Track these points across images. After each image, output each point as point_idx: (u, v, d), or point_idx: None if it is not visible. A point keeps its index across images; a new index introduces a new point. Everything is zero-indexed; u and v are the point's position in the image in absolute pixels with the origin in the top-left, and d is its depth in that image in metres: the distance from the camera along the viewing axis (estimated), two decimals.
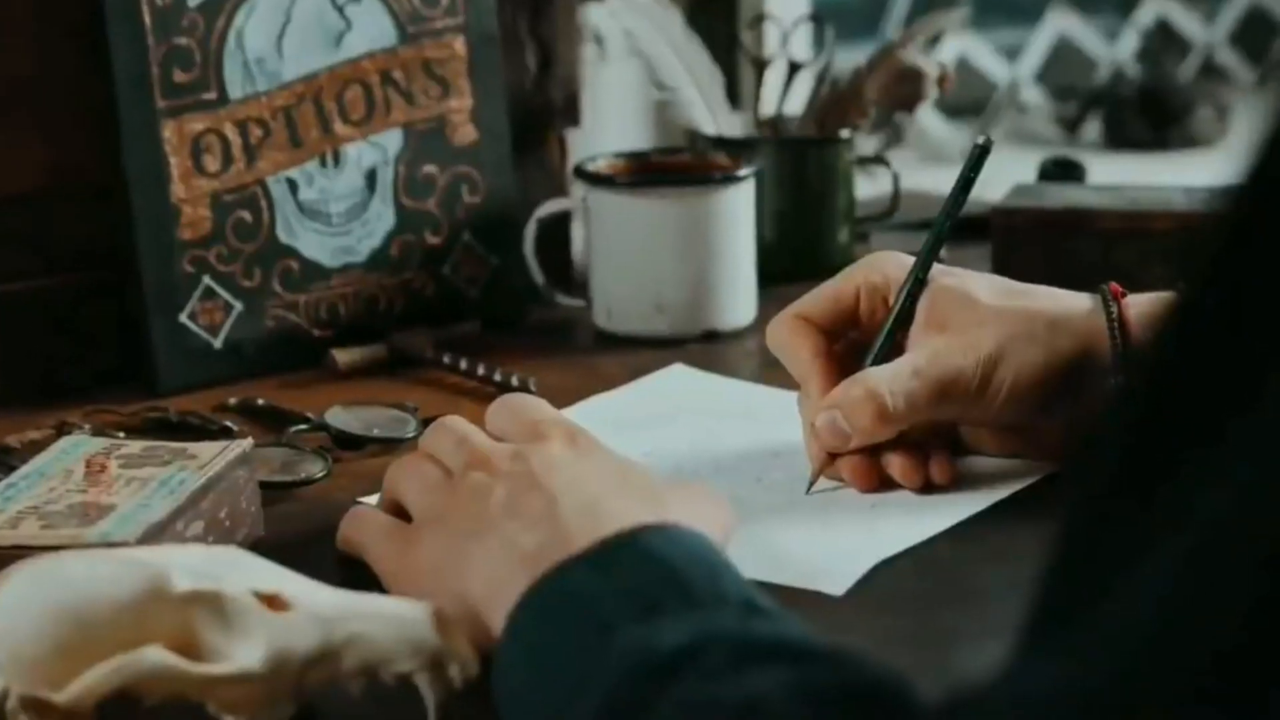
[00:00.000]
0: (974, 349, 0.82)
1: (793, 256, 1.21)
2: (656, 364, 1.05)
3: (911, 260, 0.87)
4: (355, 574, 0.75)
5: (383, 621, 0.64)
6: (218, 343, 1.04)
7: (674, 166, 1.15)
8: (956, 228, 1.27)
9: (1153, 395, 0.41)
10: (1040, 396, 0.83)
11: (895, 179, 1.26)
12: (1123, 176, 1.38)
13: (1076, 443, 0.86)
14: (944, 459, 0.85)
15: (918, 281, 0.85)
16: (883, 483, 0.85)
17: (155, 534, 0.73)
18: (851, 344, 0.88)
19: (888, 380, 0.83)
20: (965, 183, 0.88)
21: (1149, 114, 1.93)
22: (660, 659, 0.56)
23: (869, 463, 0.84)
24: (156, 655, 0.61)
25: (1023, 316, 0.83)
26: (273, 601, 0.63)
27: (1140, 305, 0.83)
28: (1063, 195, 1.19)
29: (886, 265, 0.87)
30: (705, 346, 1.10)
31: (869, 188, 1.30)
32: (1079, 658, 0.40)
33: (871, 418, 0.82)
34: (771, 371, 1.04)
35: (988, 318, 0.83)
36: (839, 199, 1.23)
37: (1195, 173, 1.68)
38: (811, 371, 0.86)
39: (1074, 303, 0.84)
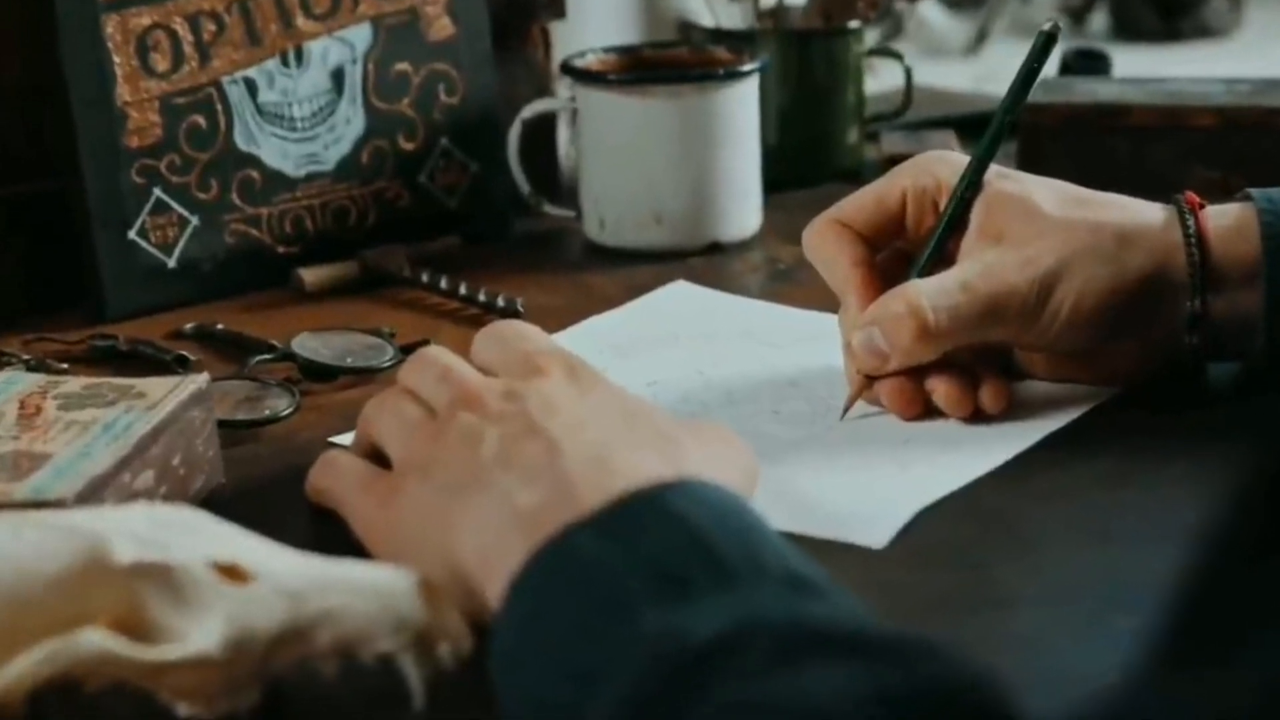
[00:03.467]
0: (1032, 264, 0.74)
1: (798, 160, 1.15)
2: (656, 280, 0.98)
3: (964, 161, 0.78)
4: (328, 528, 0.68)
5: (360, 593, 0.57)
6: (171, 262, 0.97)
7: (670, 62, 1.08)
8: (975, 127, 1.20)
9: None
10: (1105, 319, 0.74)
11: (907, 73, 1.19)
12: (1134, 69, 1.29)
13: (1147, 370, 0.77)
14: (997, 385, 0.76)
15: (971, 185, 0.77)
16: (926, 410, 0.76)
17: (97, 487, 0.65)
18: (897, 254, 0.80)
19: (931, 294, 0.74)
20: (1029, 74, 0.80)
21: (1159, 3, 1.83)
22: (694, 650, 0.47)
23: (911, 386, 0.76)
24: (96, 638, 0.54)
25: (1089, 229, 0.74)
26: (231, 572, 0.56)
27: (1221, 218, 0.75)
28: (1091, 90, 1.10)
29: (937, 167, 0.78)
30: (708, 260, 1.03)
31: (871, 84, 1.21)
32: (1220, 699, 0.36)
33: (912, 335, 0.74)
34: (782, 287, 0.96)
35: (1049, 229, 0.75)
36: (848, 96, 1.16)
37: (1208, 64, 1.59)
38: (851, 283, 0.78)
39: (1147, 214, 0.76)
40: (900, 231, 0.79)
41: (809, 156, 1.14)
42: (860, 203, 0.79)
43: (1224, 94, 1.07)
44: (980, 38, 1.76)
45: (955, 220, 0.77)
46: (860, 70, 1.16)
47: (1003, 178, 0.77)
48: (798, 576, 0.51)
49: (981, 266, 0.75)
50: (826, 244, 0.79)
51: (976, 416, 0.76)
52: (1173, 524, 0.68)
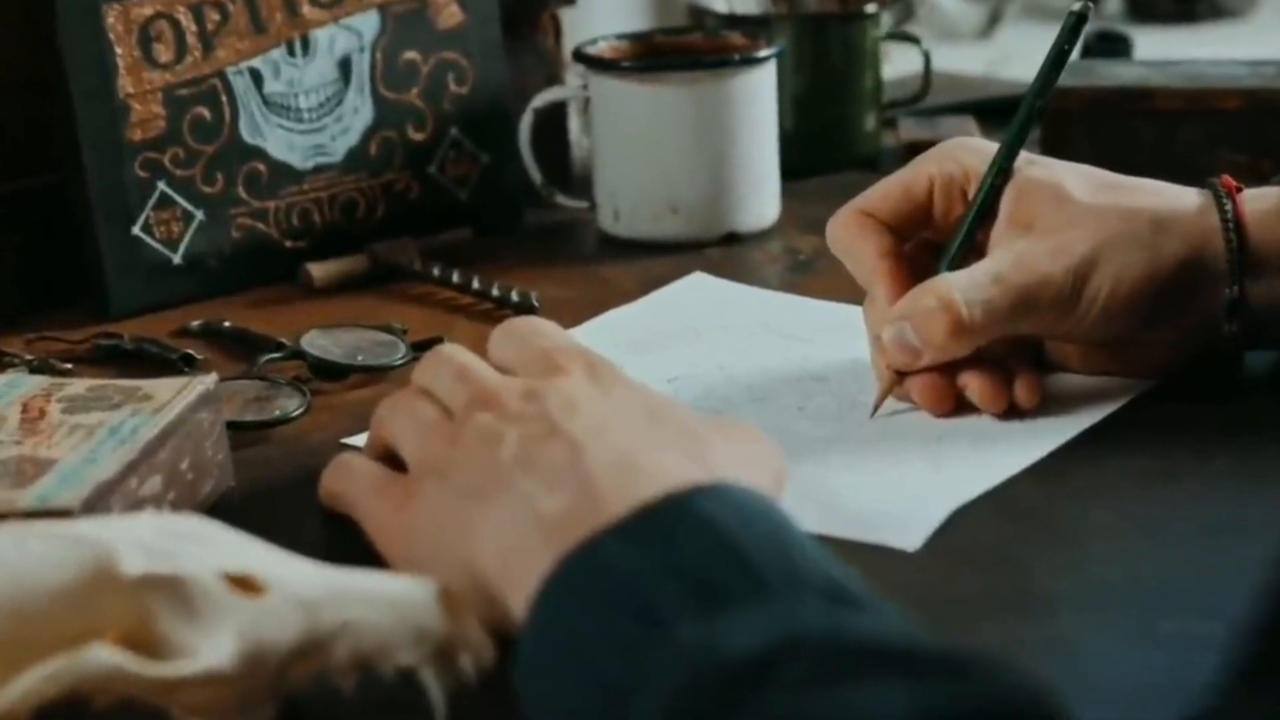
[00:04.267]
0: (1065, 252, 0.72)
1: (815, 147, 1.12)
2: (672, 273, 0.95)
3: (991, 148, 0.76)
4: (343, 533, 0.66)
5: (379, 604, 0.55)
6: (177, 257, 0.95)
7: (684, 48, 1.05)
8: (994, 112, 1.18)
9: None
10: (1141, 307, 0.72)
11: (926, 57, 1.17)
12: (1150, 51, 1.27)
13: (1184, 359, 0.75)
14: (1031, 379, 0.74)
15: (1001, 172, 0.75)
16: (958, 406, 0.74)
17: (104, 494, 0.63)
18: (923, 245, 0.78)
19: (964, 288, 0.72)
20: (1059, 56, 0.77)
21: None
22: (732, 665, 0.45)
23: (943, 382, 0.74)
24: (104, 654, 0.52)
25: (1123, 215, 0.72)
26: (244, 583, 0.54)
27: (1258, 201, 0.72)
28: (1115, 73, 1.08)
29: (964, 154, 0.76)
30: (726, 251, 1.00)
31: (886, 69, 1.18)
32: None
33: (945, 331, 0.72)
34: (802, 278, 0.94)
35: (1081, 216, 0.72)
36: (865, 82, 1.14)
37: (1224, 46, 1.57)
38: (878, 275, 0.75)
39: (1182, 199, 0.74)
40: (927, 221, 0.77)
41: (826, 144, 1.12)
42: (886, 192, 0.77)
43: (1250, 76, 1.05)
44: (993, 21, 1.74)
45: (985, 209, 0.75)
46: (877, 55, 1.13)
47: (1031, 164, 0.75)
48: (837, 586, 0.49)
49: (1013, 257, 0.73)
50: (851, 235, 0.77)
51: (1010, 412, 0.74)
52: (1217, 522, 0.65)
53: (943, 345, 0.72)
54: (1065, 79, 1.07)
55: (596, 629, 0.50)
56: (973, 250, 0.75)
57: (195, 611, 0.53)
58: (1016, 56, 1.50)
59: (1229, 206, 0.72)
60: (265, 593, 0.54)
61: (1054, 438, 0.72)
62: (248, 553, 0.55)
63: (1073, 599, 0.61)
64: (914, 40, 1.17)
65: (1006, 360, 0.75)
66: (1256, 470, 0.69)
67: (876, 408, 0.75)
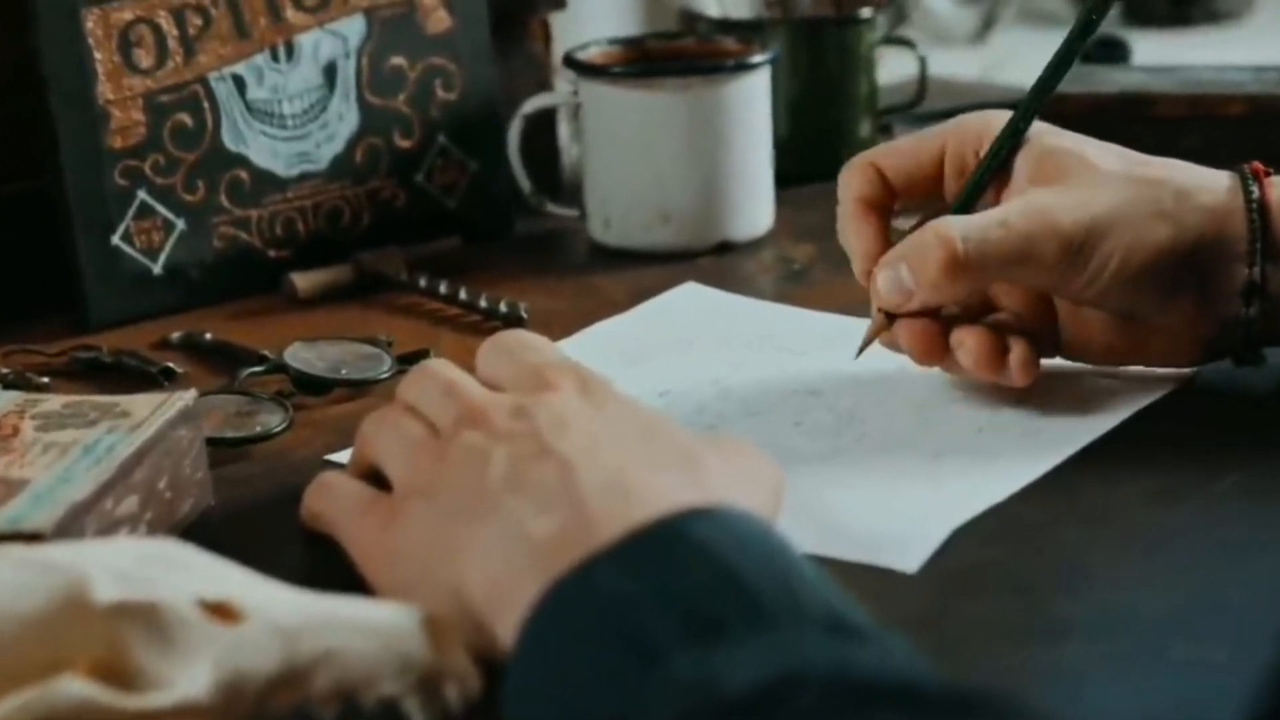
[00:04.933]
0: (1082, 208, 0.70)
1: (809, 154, 1.10)
2: (664, 283, 0.94)
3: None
4: (325, 555, 0.64)
5: (361, 632, 0.53)
6: (157, 268, 0.93)
7: (676, 53, 1.04)
8: None
9: None
10: (1158, 279, 0.70)
11: (922, 63, 1.15)
12: (1145, 55, 1.25)
13: (1202, 347, 0.73)
14: (1028, 353, 0.72)
15: (1018, 132, 0.73)
16: (944, 360, 0.73)
17: (78, 515, 0.61)
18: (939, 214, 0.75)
19: (963, 225, 0.70)
20: (1086, 26, 0.75)
21: None
22: (730, 702, 0.43)
23: (934, 330, 0.72)
24: (76, 685, 0.51)
25: (1146, 183, 0.71)
26: (221, 611, 0.53)
27: None
28: (1115, 79, 1.06)
29: (987, 117, 0.75)
30: (719, 260, 0.98)
31: (879, 75, 1.16)
32: None
33: (938, 266, 0.70)
34: (797, 288, 0.93)
35: (1104, 180, 0.71)
36: (860, 87, 1.12)
37: (1221, 50, 1.55)
38: (845, 217, 0.75)
39: (1209, 177, 0.73)
40: (935, 186, 0.75)
41: (820, 150, 1.10)
42: (897, 147, 0.76)
43: (1252, 82, 1.03)
44: (987, 25, 1.72)
45: (999, 160, 0.73)
46: (872, 60, 1.12)
47: (1052, 133, 0.74)
48: (840, 618, 0.47)
49: (1025, 204, 0.71)
50: (849, 178, 0.76)
51: (1030, 421, 0.72)
52: (1228, 543, 0.63)
53: (935, 282, 0.70)
54: (1065, 85, 1.06)
55: (587, 659, 0.49)
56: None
57: (170, 640, 0.51)
58: (1011, 61, 1.48)
59: (1255, 190, 0.71)
60: (243, 620, 0.52)
61: (1056, 453, 0.70)
62: (226, 578, 0.54)
63: (1079, 623, 0.59)
64: (909, 44, 1.15)
65: (1006, 330, 0.73)
66: (1267, 487, 0.67)
67: (862, 350, 0.73)
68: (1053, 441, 0.71)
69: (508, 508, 0.56)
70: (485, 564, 0.55)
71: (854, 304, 0.87)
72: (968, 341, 0.72)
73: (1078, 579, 0.62)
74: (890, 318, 0.73)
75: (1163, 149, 1.01)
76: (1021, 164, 0.72)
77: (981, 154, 0.74)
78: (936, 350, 0.72)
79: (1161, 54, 1.30)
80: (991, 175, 0.73)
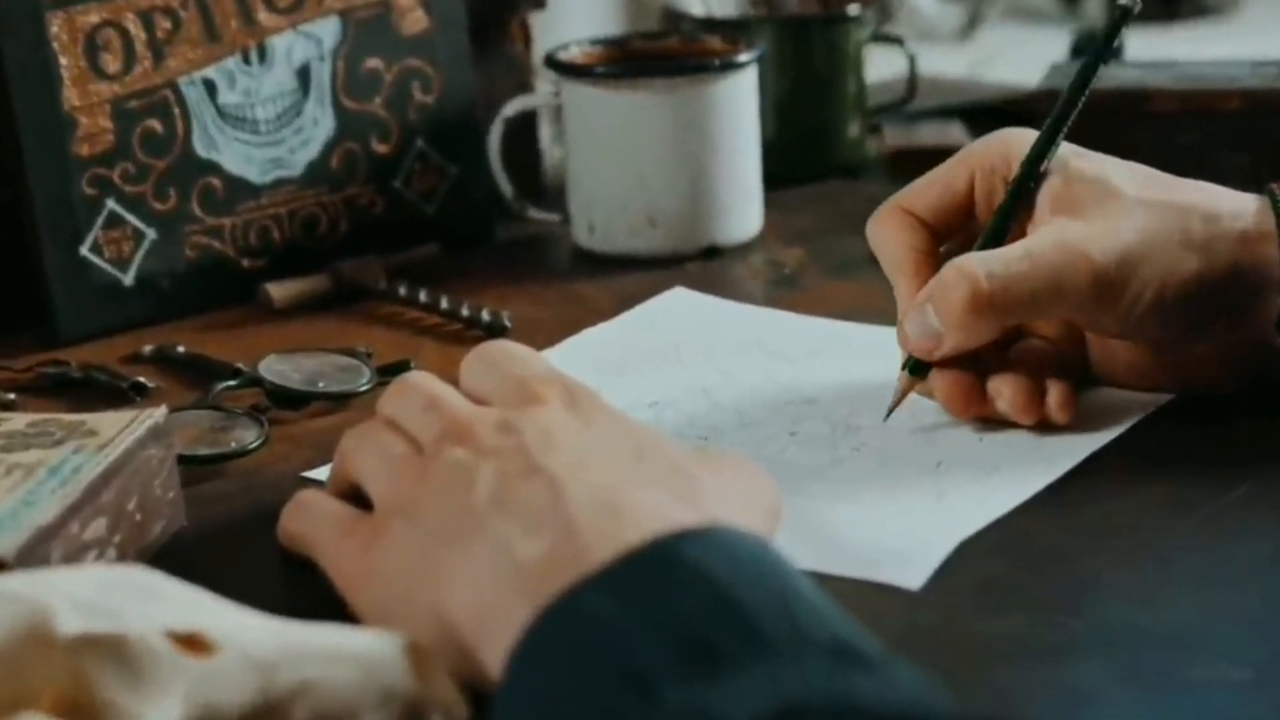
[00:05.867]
0: (1111, 238, 0.68)
1: (797, 154, 1.08)
2: (651, 288, 0.91)
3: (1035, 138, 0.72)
4: (304, 578, 0.61)
5: (341, 661, 0.51)
6: (127, 279, 0.90)
7: (660, 53, 1.01)
8: (982, 116, 1.14)
9: None
10: (1193, 309, 0.68)
11: (911, 60, 1.13)
12: (1133, 51, 1.23)
13: (1235, 375, 0.71)
14: (1065, 390, 0.70)
15: (1040, 157, 0.71)
16: (982, 409, 0.70)
17: (43, 540, 0.58)
18: (967, 244, 0.73)
19: (988, 260, 0.68)
20: (1107, 41, 0.74)
21: None
22: None
23: (969, 381, 0.70)
24: None
25: (1175, 211, 0.69)
26: (192, 642, 0.50)
27: None
28: (1110, 75, 1.03)
29: (1009, 141, 0.73)
30: (706, 265, 0.96)
31: (867, 73, 1.14)
32: None
33: (964, 304, 0.67)
34: (787, 293, 0.90)
35: (1131, 209, 0.69)
36: (848, 86, 1.10)
37: (1210, 44, 1.53)
38: (901, 269, 0.72)
39: (1236, 201, 0.70)
40: (969, 217, 0.73)
41: (808, 151, 1.08)
42: (925, 186, 0.73)
43: (1249, 76, 1.01)
44: (973, 22, 1.70)
45: (1024, 190, 0.70)
46: (860, 59, 1.10)
47: (1077, 155, 0.71)
48: (844, 645, 0.44)
49: (1050, 236, 0.68)
50: (885, 230, 0.73)
51: (1035, 430, 0.70)
52: (1243, 556, 0.61)
53: (961, 322, 0.68)
54: (1058, 82, 1.04)
55: (577, 689, 0.46)
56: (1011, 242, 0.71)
57: (138, 674, 0.49)
58: (999, 58, 1.46)
59: None
60: (215, 652, 0.49)
61: (1062, 462, 0.68)
62: (197, 607, 0.51)
63: (1091, 642, 0.56)
64: (898, 42, 1.13)
65: (1041, 371, 0.70)
66: (1277, 500, 0.64)
67: (891, 411, 0.70)
68: (1057, 451, 0.68)
69: (494, 529, 0.53)
70: (471, 588, 0.52)
71: (847, 308, 0.85)
72: (1005, 391, 0.70)
73: (1088, 594, 0.60)
74: (919, 370, 0.70)
75: (1159, 146, 0.99)
76: (1045, 191, 0.70)
77: (1010, 177, 0.72)
78: (974, 402, 0.70)
79: (1151, 49, 1.28)
80: (1018, 200, 0.71)
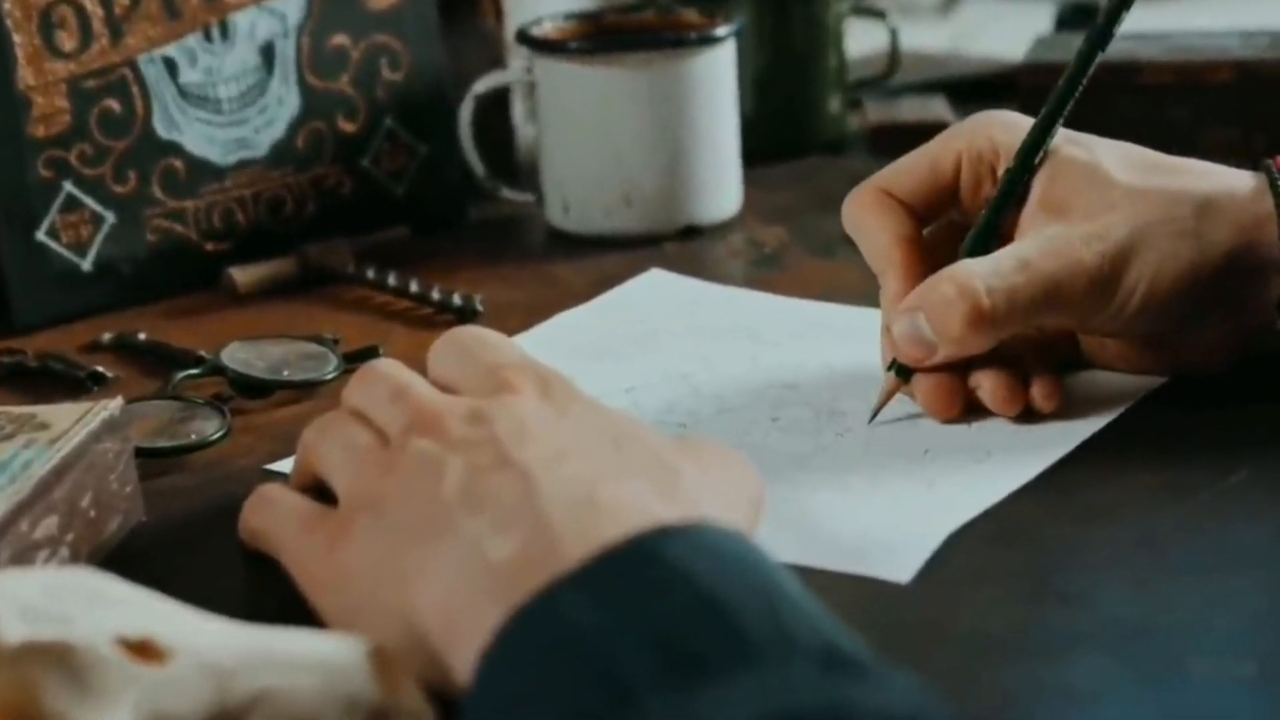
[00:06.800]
0: (1101, 237, 0.65)
1: (776, 131, 1.06)
2: (627, 270, 0.89)
3: (1025, 122, 0.69)
4: (267, 577, 0.58)
5: (302, 668, 0.49)
6: (85, 264, 0.88)
7: (636, 27, 0.99)
8: (965, 91, 1.11)
9: None
10: (1185, 302, 0.66)
11: (893, 34, 1.11)
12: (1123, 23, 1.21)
13: (1230, 361, 0.68)
14: (1050, 379, 0.67)
15: (1033, 149, 0.68)
16: (964, 409, 0.68)
17: None
18: (951, 228, 0.71)
19: (985, 274, 0.65)
20: (1111, 19, 0.71)
21: None
22: None
23: (952, 383, 0.67)
24: None
25: (1166, 199, 0.66)
26: (144, 649, 0.48)
27: None
28: None
29: (996, 128, 0.70)
30: (684, 245, 0.94)
31: (848, 47, 1.12)
32: None
33: (963, 322, 0.65)
34: (768, 273, 0.88)
35: (1121, 200, 0.66)
36: (828, 60, 1.08)
37: (1196, 16, 1.51)
38: (890, 261, 0.69)
39: (1232, 182, 0.67)
40: (953, 202, 0.70)
41: (788, 127, 1.06)
42: (909, 168, 0.70)
43: (1241, 47, 0.99)
44: None
45: (1014, 191, 0.68)
46: (841, 32, 1.07)
47: (1071, 143, 0.69)
48: (834, 649, 0.42)
49: (1043, 241, 0.66)
50: (866, 214, 0.70)
51: (1026, 416, 0.67)
52: (1242, 545, 0.59)
53: (960, 338, 0.65)
54: (1044, 53, 1.01)
55: (552, 697, 0.44)
56: (999, 237, 0.68)
57: (87, 684, 0.46)
58: (982, 31, 1.43)
59: None
60: (168, 659, 0.47)
61: (1056, 447, 0.65)
62: (149, 612, 0.48)
63: (1089, 636, 0.54)
64: (880, 15, 1.11)
65: (1023, 358, 0.68)
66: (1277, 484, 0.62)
67: (876, 413, 0.68)
68: (1049, 438, 0.66)
69: (463, 526, 0.51)
70: (438, 589, 0.50)
71: (829, 289, 0.83)
72: (986, 384, 0.67)
73: (1084, 586, 0.57)
74: (906, 372, 0.68)
75: (1150, 120, 0.97)
76: (1037, 181, 0.68)
77: (997, 162, 0.69)
78: (958, 402, 0.68)
79: (1139, 20, 1.26)
80: (1007, 201, 0.68)
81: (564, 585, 0.46)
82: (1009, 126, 0.69)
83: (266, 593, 0.58)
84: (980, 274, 0.65)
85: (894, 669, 0.42)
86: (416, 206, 0.96)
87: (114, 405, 0.63)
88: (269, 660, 0.48)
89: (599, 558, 0.46)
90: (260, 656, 0.48)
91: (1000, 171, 0.69)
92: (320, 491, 0.60)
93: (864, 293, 0.75)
